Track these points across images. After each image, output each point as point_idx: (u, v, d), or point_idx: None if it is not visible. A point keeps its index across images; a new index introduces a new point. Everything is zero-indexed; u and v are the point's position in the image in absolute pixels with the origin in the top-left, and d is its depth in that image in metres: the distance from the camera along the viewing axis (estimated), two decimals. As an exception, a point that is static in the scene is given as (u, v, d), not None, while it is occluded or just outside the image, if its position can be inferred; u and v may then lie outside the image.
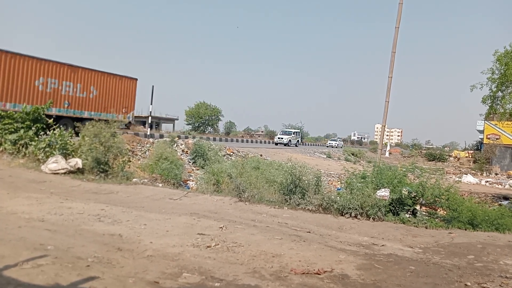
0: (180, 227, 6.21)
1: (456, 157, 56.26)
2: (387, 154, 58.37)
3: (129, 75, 25.83)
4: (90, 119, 13.44)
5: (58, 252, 4.38)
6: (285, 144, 45.73)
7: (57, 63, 21.26)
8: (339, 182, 19.32)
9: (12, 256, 4.08)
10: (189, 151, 21.17)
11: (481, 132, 49.31)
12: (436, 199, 9.40)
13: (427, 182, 9.53)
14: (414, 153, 64.04)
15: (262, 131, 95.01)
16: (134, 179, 11.79)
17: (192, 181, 16.33)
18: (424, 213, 9.65)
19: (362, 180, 10.21)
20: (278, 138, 47.84)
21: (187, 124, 60.91)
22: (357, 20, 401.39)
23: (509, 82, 17.91)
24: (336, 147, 60.88)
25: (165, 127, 60.79)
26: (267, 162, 18.78)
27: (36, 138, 12.15)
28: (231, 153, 24.47)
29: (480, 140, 53.81)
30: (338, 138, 77.21)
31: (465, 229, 8.27)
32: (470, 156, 52.97)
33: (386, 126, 14.21)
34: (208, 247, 5.21)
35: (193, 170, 18.87)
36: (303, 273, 4.46)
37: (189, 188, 13.47)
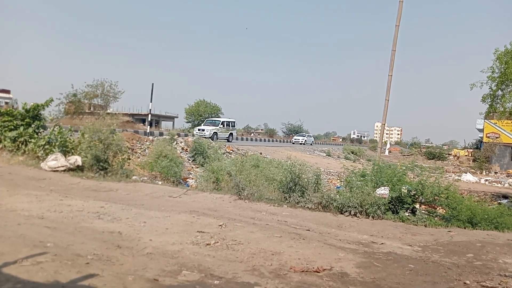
0: (179, 225, 6.22)
1: (455, 155, 56.26)
2: (386, 153, 58.36)
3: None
4: None
5: (58, 250, 4.38)
6: (209, 138, 29.37)
7: None
8: (338, 180, 19.34)
9: (11, 253, 4.08)
10: (188, 149, 21.18)
11: (481, 130, 49.30)
12: (436, 197, 9.41)
13: (426, 180, 9.53)
14: (413, 151, 64.09)
15: (261, 129, 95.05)
16: (134, 177, 11.79)
17: (192, 179, 16.34)
18: (424, 211, 9.65)
19: (362, 178, 10.22)
20: (198, 130, 32.17)
21: (187, 122, 60.77)
22: (357, 18, 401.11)
23: (509, 80, 17.91)
24: (304, 144, 50.75)
25: (165, 124, 60.88)
26: (267, 160, 18.79)
27: (35, 136, 12.15)
28: (231, 151, 24.48)
29: (479, 138, 53.79)
30: (308, 134, 59.71)
31: (465, 228, 8.29)
32: (470, 155, 52.99)
33: (385, 125, 14.22)
34: (207, 245, 5.22)
35: (192, 168, 18.88)
36: (303, 271, 4.46)
37: (188, 186, 13.48)
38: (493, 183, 29.22)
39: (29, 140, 11.88)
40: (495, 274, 4.94)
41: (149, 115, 26.17)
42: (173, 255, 4.67)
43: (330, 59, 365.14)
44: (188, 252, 4.83)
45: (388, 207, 8.81)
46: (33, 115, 12.60)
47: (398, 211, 8.87)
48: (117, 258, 4.34)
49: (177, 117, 65.85)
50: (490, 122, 44.87)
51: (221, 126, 32.96)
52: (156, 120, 57.52)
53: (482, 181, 30.17)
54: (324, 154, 41.03)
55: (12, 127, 12.10)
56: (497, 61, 18.19)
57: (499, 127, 45.06)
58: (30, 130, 12.17)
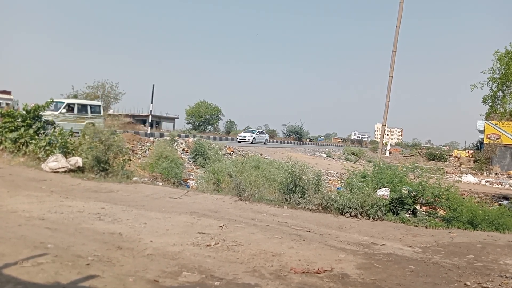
0: (180, 226, 6.22)
1: (456, 156, 56.20)
2: (387, 154, 58.30)
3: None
4: None
5: (58, 251, 4.39)
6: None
7: None
8: (339, 182, 19.32)
9: (12, 254, 4.08)
10: (189, 150, 21.19)
11: (482, 132, 49.28)
12: (436, 198, 9.40)
13: (427, 181, 9.53)
14: (414, 152, 64.02)
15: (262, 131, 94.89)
16: (134, 178, 11.80)
17: (192, 180, 16.34)
18: (424, 212, 9.65)
19: (362, 179, 10.22)
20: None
21: (188, 123, 60.84)
22: (358, 19, 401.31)
23: (509, 82, 17.91)
24: (252, 143, 37.44)
25: (166, 126, 60.86)
26: (267, 161, 18.80)
27: (36, 137, 12.15)
28: (231, 152, 24.48)
29: (480, 139, 53.78)
30: (260, 130, 45.38)
31: (465, 229, 8.28)
32: (470, 156, 52.93)
33: (386, 126, 14.22)
34: (208, 246, 5.22)
35: (193, 169, 18.88)
36: (303, 272, 4.46)
37: (189, 187, 13.49)
38: (494, 184, 29.18)
39: (30, 141, 11.89)
40: (496, 275, 4.94)
41: (150, 116, 26.18)
42: (173, 256, 4.68)
43: (331, 60, 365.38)
44: (188, 253, 4.83)
45: (388, 208, 8.80)
46: (34, 116, 12.62)
47: (399, 212, 8.86)
48: (117, 259, 4.34)
49: (177, 118, 65.96)
50: (491, 123, 44.86)
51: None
52: (157, 121, 57.55)
53: (483, 182, 30.14)
54: (325, 155, 41.03)
55: (13, 128, 12.12)
56: (498, 62, 18.19)
57: (499, 128, 45.07)
58: (31, 131, 12.19)
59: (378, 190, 9.12)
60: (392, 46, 13.44)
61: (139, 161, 16.65)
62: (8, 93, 64.88)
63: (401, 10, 13.35)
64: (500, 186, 28.55)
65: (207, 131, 57.07)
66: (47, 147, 11.60)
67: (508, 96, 18.40)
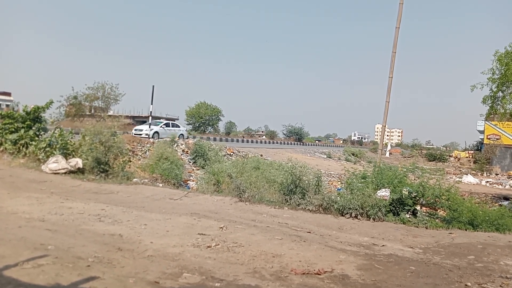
0: (180, 227, 6.22)
1: (456, 157, 56.21)
2: (387, 154, 58.33)
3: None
4: None
5: (59, 252, 4.38)
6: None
7: None
8: (339, 182, 19.33)
9: (12, 256, 4.08)
10: (189, 151, 21.19)
11: (482, 132, 49.28)
12: (437, 199, 9.40)
13: (427, 182, 9.52)
14: (414, 153, 64.08)
15: (262, 131, 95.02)
16: (135, 179, 11.80)
17: (193, 181, 16.34)
18: (425, 213, 9.64)
19: (363, 180, 10.21)
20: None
21: (188, 124, 60.86)
22: (358, 19, 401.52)
23: (509, 82, 17.89)
24: (153, 137, 25.13)
25: (166, 127, 60.69)
26: (267, 162, 18.79)
27: (36, 138, 12.16)
28: (232, 153, 24.47)
29: (480, 140, 53.79)
30: (169, 121, 31.01)
31: (466, 230, 8.27)
32: (471, 157, 52.94)
33: (386, 126, 14.21)
34: (208, 247, 5.21)
35: (193, 170, 18.88)
36: (304, 273, 4.46)
37: (189, 188, 13.48)
38: (494, 185, 29.17)
39: (30, 142, 11.90)
40: (497, 276, 4.93)
41: (150, 117, 26.13)
42: (174, 257, 4.67)
43: (331, 60, 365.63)
44: (189, 255, 4.82)
45: (389, 209, 8.79)
46: (34, 118, 12.62)
47: (399, 213, 8.86)
48: (118, 261, 4.33)
49: (177, 119, 65.91)
50: (491, 123, 44.87)
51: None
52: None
53: (483, 182, 30.13)
54: (325, 156, 41.04)
55: (13, 129, 12.12)
56: (497, 62, 18.18)
57: (499, 128, 45.08)
58: (31, 132, 12.19)
59: (378, 191, 9.12)
60: (392, 46, 13.45)
61: (139, 162, 16.65)
62: (8, 94, 64.82)
63: (400, 11, 13.35)
64: (500, 186, 28.53)
65: (207, 132, 57.12)
66: (47, 149, 11.60)
67: (508, 97, 18.38)
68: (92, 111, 34.01)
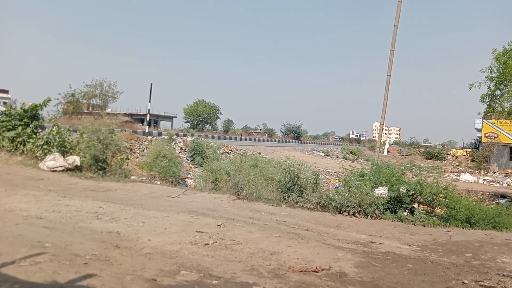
0: (178, 224, 6.21)
1: (454, 155, 56.35)
2: (385, 153, 58.46)
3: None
4: None
5: (56, 250, 4.37)
6: None
7: None
8: (337, 180, 19.35)
9: (9, 254, 4.07)
10: (187, 149, 21.17)
11: (479, 130, 49.39)
12: (434, 197, 9.42)
13: (425, 180, 9.54)
14: (412, 151, 64.17)
15: (260, 129, 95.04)
16: (132, 177, 11.79)
17: (191, 179, 16.34)
18: (422, 211, 9.66)
19: (360, 178, 10.22)
20: None
21: (186, 122, 60.88)
22: (357, 18, 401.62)
23: (507, 80, 17.94)
24: None
25: (164, 124, 60.81)
26: (266, 160, 18.79)
27: (34, 136, 12.12)
28: (230, 151, 24.48)
29: (478, 138, 53.89)
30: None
31: (463, 227, 8.30)
32: (468, 155, 53.09)
33: (384, 124, 14.23)
34: (206, 244, 5.21)
35: (191, 168, 18.88)
36: (301, 271, 4.46)
37: (187, 186, 13.47)
38: (492, 183, 29.27)
39: (28, 140, 11.86)
40: (494, 274, 4.95)
41: (148, 115, 26.16)
42: (171, 255, 4.67)
43: (329, 59, 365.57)
44: (186, 252, 4.82)
45: (386, 207, 8.81)
46: (31, 115, 12.58)
47: (397, 210, 8.88)
48: (115, 258, 4.33)
49: (175, 117, 65.90)
50: (489, 122, 44.96)
51: None
52: (155, 120, 57.49)
53: (481, 180, 30.23)
54: (323, 154, 41.07)
55: (11, 127, 12.08)
56: (495, 61, 18.23)
57: (497, 127, 45.14)
58: (29, 130, 12.15)
59: (376, 189, 9.13)
60: (390, 45, 13.45)
61: (137, 160, 16.63)
62: (6, 92, 64.49)
63: (399, 9, 13.35)
64: (497, 184, 28.64)
65: (205, 130, 57.07)
66: (45, 146, 11.58)
67: (506, 95, 18.44)
68: (90, 109, 33.90)
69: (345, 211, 8.42)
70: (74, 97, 31.40)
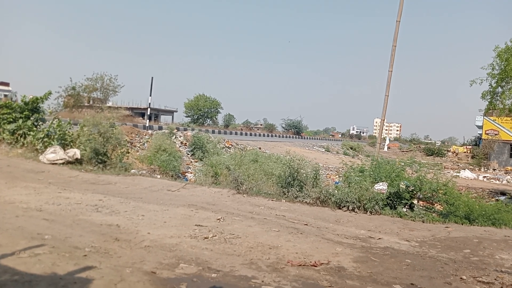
0: (177, 218, 6.23)
1: (454, 152, 56.34)
2: (385, 149, 58.48)
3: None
4: None
5: (56, 242, 4.39)
6: None
7: None
8: (337, 176, 19.36)
9: (9, 245, 4.08)
10: (188, 143, 21.19)
11: (480, 127, 49.34)
12: (434, 193, 9.42)
13: (424, 176, 9.54)
14: (412, 147, 64.19)
15: (261, 124, 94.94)
16: (133, 170, 11.80)
17: (191, 173, 16.36)
18: (421, 207, 9.67)
19: (360, 173, 10.22)
20: None
21: (186, 116, 60.75)
22: (357, 14, 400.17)
23: (509, 78, 17.86)
24: None
25: (164, 119, 60.71)
26: (266, 155, 18.81)
27: (34, 128, 12.13)
28: (230, 146, 24.49)
29: (479, 135, 53.83)
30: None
31: (462, 224, 8.31)
32: (469, 152, 53.08)
33: (385, 120, 14.20)
34: (205, 238, 5.23)
35: (191, 162, 18.89)
36: (300, 265, 4.48)
37: (187, 180, 13.49)
38: (491, 180, 29.27)
39: (28, 133, 11.87)
40: (492, 270, 4.97)
41: (149, 109, 26.14)
42: (171, 248, 4.68)
43: (330, 55, 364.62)
44: (186, 246, 4.84)
45: (386, 203, 8.82)
46: (32, 108, 12.58)
47: (396, 206, 8.88)
48: (115, 251, 4.34)
49: (176, 111, 65.78)
50: (490, 119, 44.87)
51: None
52: (155, 114, 57.39)
53: (481, 177, 30.23)
54: (323, 150, 41.08)
55: (11, 119, 12.08)
56: (497, 58, 18.13)
57: (498, 124, 45.08)
58: (29, 123, 12.15)
59: (375, 185, 9.14)
60: (392, 40, 13.39)
61: (138, 153, 16.65)
62: (6, 84, 64.47)
63: (401, 4, 13.28)
64: (497, 181, 28.64)
65: (205, 125, 57.01)
66: (45, 139, 11.58)
67: (507, 92, 18.36)
68: (91, 102, 33.83)
69: (344, 206, 8.44)
70: (75, 90, 31.31)
